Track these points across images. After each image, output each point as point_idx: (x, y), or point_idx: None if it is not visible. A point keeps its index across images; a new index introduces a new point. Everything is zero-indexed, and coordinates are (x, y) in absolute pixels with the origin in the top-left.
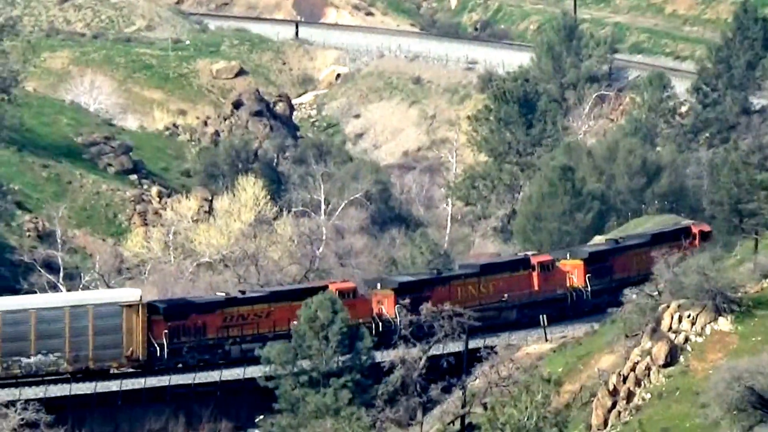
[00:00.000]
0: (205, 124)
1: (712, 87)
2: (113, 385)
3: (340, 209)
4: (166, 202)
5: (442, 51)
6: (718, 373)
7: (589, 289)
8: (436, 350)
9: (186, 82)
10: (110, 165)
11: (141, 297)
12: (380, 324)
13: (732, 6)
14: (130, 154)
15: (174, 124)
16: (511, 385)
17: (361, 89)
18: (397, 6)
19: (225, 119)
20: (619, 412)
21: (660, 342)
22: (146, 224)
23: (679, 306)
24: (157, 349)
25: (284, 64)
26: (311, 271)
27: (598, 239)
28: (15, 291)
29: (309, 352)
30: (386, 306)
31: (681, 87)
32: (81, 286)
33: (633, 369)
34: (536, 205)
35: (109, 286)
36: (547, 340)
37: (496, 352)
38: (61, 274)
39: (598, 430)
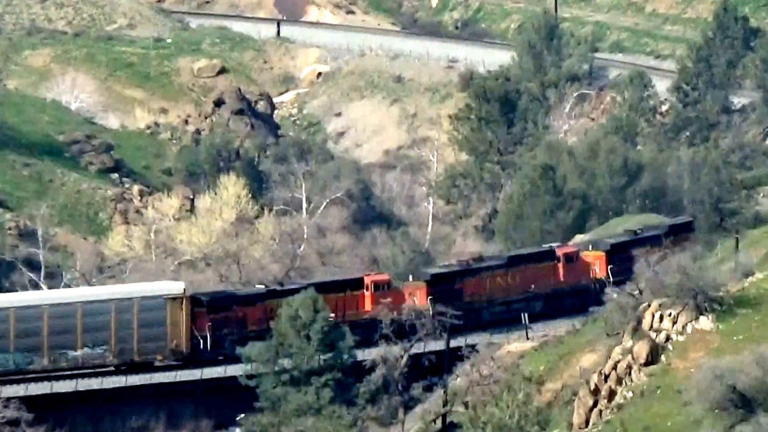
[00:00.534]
0: (186, 122)
1: (693, 86)
2: (94, 384)
3: (321, 208)
4: (147, 201)
5: (423, 50)
6: (699, 372)
7: (611, 279)
8: (418, 349)
9: (167, 80)
10: (91, 163)
11: (185, 289)
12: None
13: (712, 5)
14: (112, 152)
15: (155, 123)
16: (492, 383)
17: (343, 88)
18: (378, 5)
19: (206, 118)
20: (601, 411)
21: (641, 341)
22: (127, 223)
23: (660, 305)
24: (201, 341)
25: (265, 62)
26: (292, 270)
27: (579, 237)
28: None
29: (290, 350)
30: (418, 298)
31: (661, 86)
32: (62, 284)
33: (614, 368)
34: (517, 204)
35: (90, 285)
36: (528, 339)
37: (477, 351)
38: (43, 273)
39: (580, 428)
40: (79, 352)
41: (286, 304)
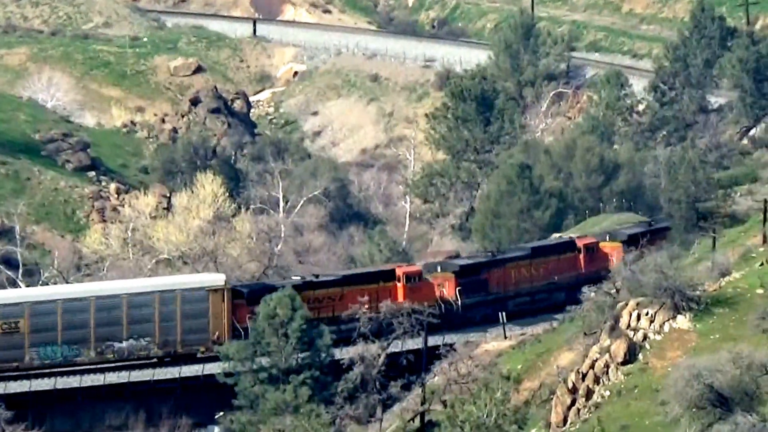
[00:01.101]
0: (163, 121)
1: (670, 85)
2: (74, 382)
3: (298, 207)
4: (124, 199)
5: (400, 49)
6: (677, 371)
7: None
8: (396, 347)
9: (143, 79)
10: (68, 162)
11: (226, 281)
12: (443, 306)
13: (689, 5)
14: (88, 150)
15: (132, 121)
16: (470, 382)
17: (319, 87)
18: (355, 4)
19: (183, 116)
20: (579, 410)
21: (619, 340)
22: (105, 221)
23: (637, 304)
24: (242, 332)
25: (242, 61)
26: (270, 268)
27: (555, 236)
28: None
29: (268, 349)
30: (447, 289)
31: (638, 85)
32: (40, 282)
33: (592, 366)
34: (494, 203)
35: (67, 282)
36: (506, 338)
37: (455, 350)
38: (20, 270)
39: (558, 427)
40: (124, 344)
41: (264, 302)
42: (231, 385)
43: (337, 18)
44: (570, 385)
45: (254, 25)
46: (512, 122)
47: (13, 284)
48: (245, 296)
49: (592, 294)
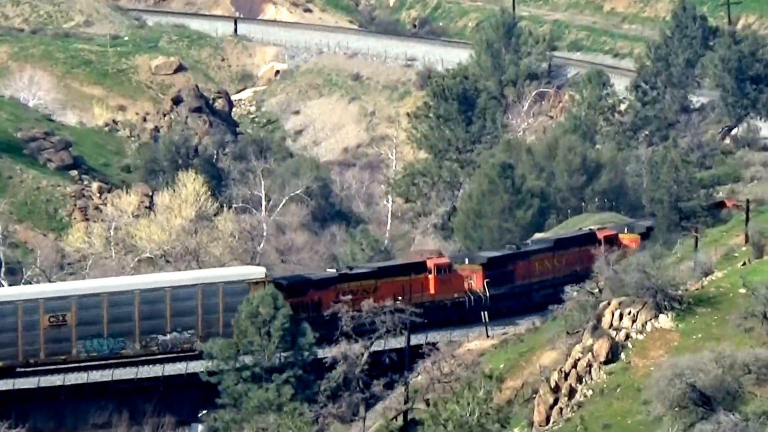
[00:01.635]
0: (145, 120)
1: (652, 85)
2: (57, 380)
3: (280, 206)
4: (106, 198)
5: (381, 48)
6: (659, 370)
7: None
8: (378, 346)
9: (125, 77)
10: (50, 160)
11: (266, 274)
12: (472, 298)
13: (671, 4)
14: (70, 149)
15: (114, 120)
16: (453, 381)
17: (301, 86)
18: (336, 3)
19: (164, 115)
20: (561, 409)
21: (601, 339)
22: (87, 219)
23: (620, 303)
24: None
25: (223, 60)
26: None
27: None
28: None
29: (251, 347)
30: (475, 280)
31: (620, 85)
32: (23, 281)
33: (574, 366)
34: (476, 203)
35: (50, 281)
36: (488, 337)
37: (438, 349)
38: (3, 269)
39: (540, 426)
40: (168, 337)
41: (246, 301)
42: (214, 384)
43: (318, 17)
44: (553, 384)
45: (235, 24)
46: (494, 121)
47: None
48: (284, 289)
49: (575, 293)
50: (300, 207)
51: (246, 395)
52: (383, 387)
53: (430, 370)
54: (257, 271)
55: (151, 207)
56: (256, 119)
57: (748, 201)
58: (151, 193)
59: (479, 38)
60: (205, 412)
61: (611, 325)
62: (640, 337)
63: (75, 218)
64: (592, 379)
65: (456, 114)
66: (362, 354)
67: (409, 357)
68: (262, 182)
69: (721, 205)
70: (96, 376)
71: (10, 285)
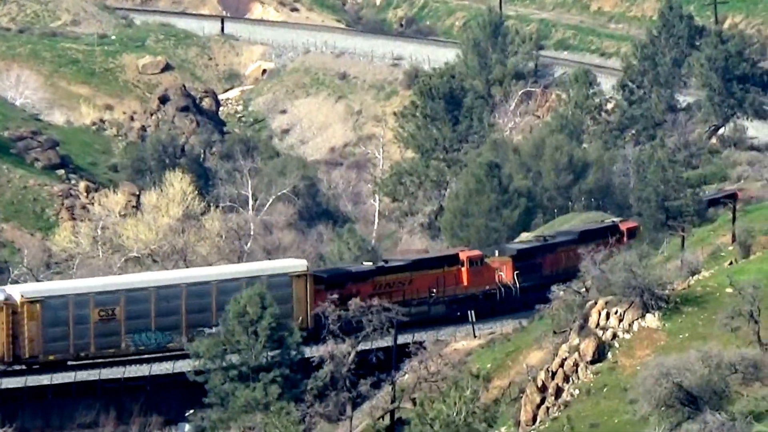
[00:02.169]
0: (132, 119)
1: (638, 84)
2: (44, 379)
3: (267, 205)
4: (93, 197)
5: (368, 47)
6: (646, 370)
7: None
8: (365, 345)
9: (112, 77)
10: (37, 160)
11: (308, 267)
12: (502, 290)
13: (657, 3)
14: (58, 148)
15: (101, 119)
16: (440, 380)
17: (287, 85)
18: (322, 2)
19: (151, 114)
20: (548, 408)
21: (588, 338)
22: (74, 219)
23: (606, 303)
24: (322, 317)
25: (210, 59)
26: None
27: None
28: None
29: (238, 346)
30: (505, 272)
31: (607, 84)
32: (9, 280)
33: (561, 365)
34: (463, 202)
35: (38, 281)
36: (475, 336)
37: (425, 348)
38: None
39: (527, 425)
40: (214, 330)
41: (234, 300)
42: (201, 383)
43: (305, 16)
44: (539, 383)
45: (222, 23)
46: (481, 121)
47: None
48: (324, 281)
49: (561, 293)
50: (287, 206)
51: (233, 394)
52: (370, 386)
53: (417, 369)
54: (299, 264)
55: (138, 206)
56: (243, 118)
57: (734, 200)
58: (138, 193)
59: (466, 37)
60: (192, 411)
61: (598, 324)
62: (627, 336)
63: (62, 217)
64: (578, 378)
65: (443, 113)
66: (349, 353)
67: (396, 356)
68: (249, 181)
69: (733, 196)
70: (83, 375)
71: None
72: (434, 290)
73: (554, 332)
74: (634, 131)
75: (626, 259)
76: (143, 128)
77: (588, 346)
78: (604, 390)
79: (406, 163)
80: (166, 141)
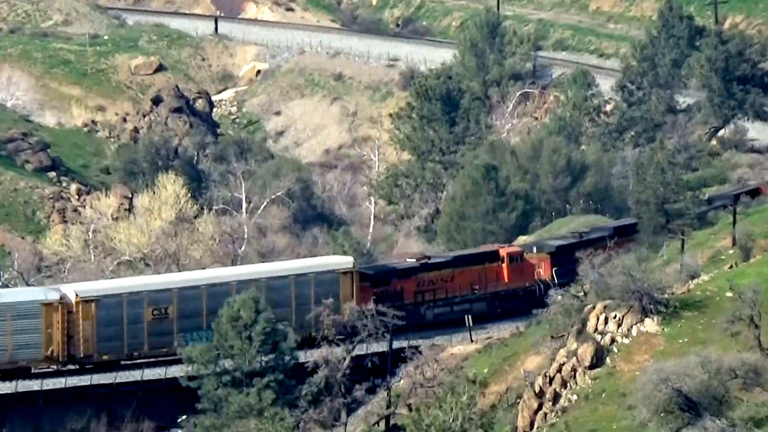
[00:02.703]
0: (124, 120)
1: (637, 85)
2: (35, 385)
3: (261, 208)
4: (85, 200)
5: (364, 47)
6: (644, 375)
7: None
8: (360, 350)
9: (104, 77)
10: (28, 162)
11: (354, 264)
12: (542, 286)
13: (657, 3)
14: (48, 150)
15: (93, 121)
16: (436, 386)
17: (282, 86)
18: (318, 2)
19: (144, 116)
20: (546, 414)
21: (586, 343)
22: (65, 222)
23: (605, 307)
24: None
25: (203, 60)
26: None
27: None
28: None
29: (232, 351)
30: (543, 269)
31: (606, 85)
32: (0, 284)
33: (559, 370)
34: (460, 204)
35: (28, 284)
36: (472, 341)
37: (420, 353)
38: None
39: None
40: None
41: (227, 304)
42: (194, 389)
43: (300, 16)
44: (537, 389)
45: (216, 23)
46: (478, 122)
47: None
48: (370, 278)
49: (559, 297)
50: (281, 209)
51: (226, 400)
52: (365, 392)
53: (413, 374)
54: (346, 261)
55: (130, 209)
56: (237, 120)
57: (735, 203)
58: (130, 195)
59: (463, 38)
60: (184, 417)
61: (596, 329)
62: (626, 341)
63: (53, 220)
64: (576, 383)
65: (439, 115)
66: (344, 358)
67: (392, 361)
68: (243, 184)
69: (757, 192)
70: (74, 380)
71: None
72: (476, 287)
73: (552, 337)
74: (633, 133)
75: (625, 263)
76: (136, 130)
77: (586, 351)
78: (603, 395)
79: (402, 165)
80: (159, 143)
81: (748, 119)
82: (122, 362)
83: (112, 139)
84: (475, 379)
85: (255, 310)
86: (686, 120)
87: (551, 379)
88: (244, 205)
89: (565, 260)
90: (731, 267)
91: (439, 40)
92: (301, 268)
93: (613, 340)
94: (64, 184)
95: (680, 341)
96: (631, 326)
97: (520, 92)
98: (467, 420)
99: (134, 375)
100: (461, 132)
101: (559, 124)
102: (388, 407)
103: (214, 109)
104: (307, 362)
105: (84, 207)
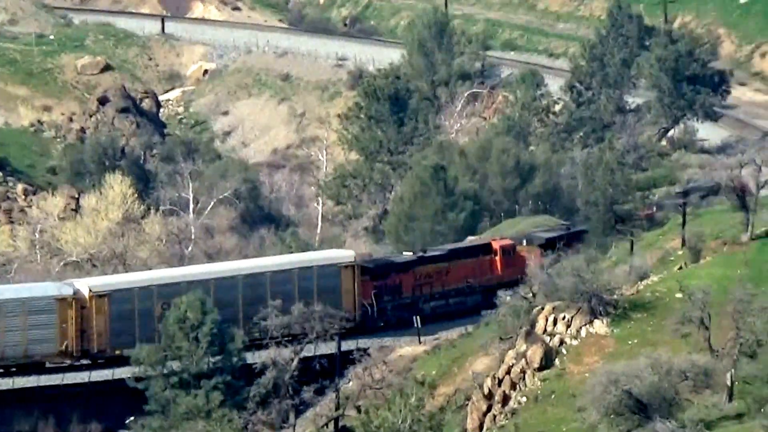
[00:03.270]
0: (71, 120)
1: (586, 85)
2: None
3: (209, 208)
4: (31, 200)
5: (312, 47)
6: (594, 377)
7: None
8: (308, 352)
9: (50, 77)
10: None
11: (355, 257)
12: None
13: (606, 3)
14: None
15: (39, 121)
16: (384, 387)
17: (229, 86)
18: (265, 1)
19: (91, 116)
20: (495, 416)
21: (535, 345)
22: (12, 222)
23: (553, 308)
24: (368, 308)
25: (150, 59)
26: None
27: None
28: None
29: (179, 353)
30: (533, 261)
31: (554, 85)
32: None
33: (508, 372)
34: (408, 205)
35: None
36: (420, 342)
37: (369, 354)
38: None
39: None
40: (269, 322)
41: (174, 305)
42: (142, 390)
43: (247, 15)
44: (486, 390)
45: (162, 22)
46: (426, 123)
47: None
48: (370, 272)
49: (508, 298)
50: (228, 209)
51: (174, 401)
52: (313, 393)
53: (362, 376)
54: (347, 255)
55: (77, 209)
56: (184, 120)
57: (684, 204)
58: (77, 196)
59: (411, 37)
60: (132, 418)
61: (545, 330)
62: (575, 342)
63: (0, 221)
64: (526, 385)
65: (387, 115)
66: (292, 360)
67: (340, 363)
68: (190, 184)
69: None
70: (21, 381)
71: None
72: (470, 280)
73: (501, 338)
74: (582, 133)
75: (574, 264)
76: (82, 130)
77: (535, 353)
78: (552, 397)
79: (350, 165)
80: (106, 143)
81: (697, 119)
82: None
83: (58, 139)
84: (424, 381)
85: (202, 312)
86: (636, 120)
87: (500, 381)
88: (192, 205)
89: (555, 252)
90: (681, 268)
91: (387, 40)
92: (304, 262)
93: (562, 342)
94: (11, 184)
95: (630, 343)
96: (580, 327)
97: (468, 92)
98: (416, 422)
99: (82, 376)
100: (410, 132)
101: (507, 125)
102: (336, 409)
103: (161, 109)
104: (255, 364)
105: (30, 207)
